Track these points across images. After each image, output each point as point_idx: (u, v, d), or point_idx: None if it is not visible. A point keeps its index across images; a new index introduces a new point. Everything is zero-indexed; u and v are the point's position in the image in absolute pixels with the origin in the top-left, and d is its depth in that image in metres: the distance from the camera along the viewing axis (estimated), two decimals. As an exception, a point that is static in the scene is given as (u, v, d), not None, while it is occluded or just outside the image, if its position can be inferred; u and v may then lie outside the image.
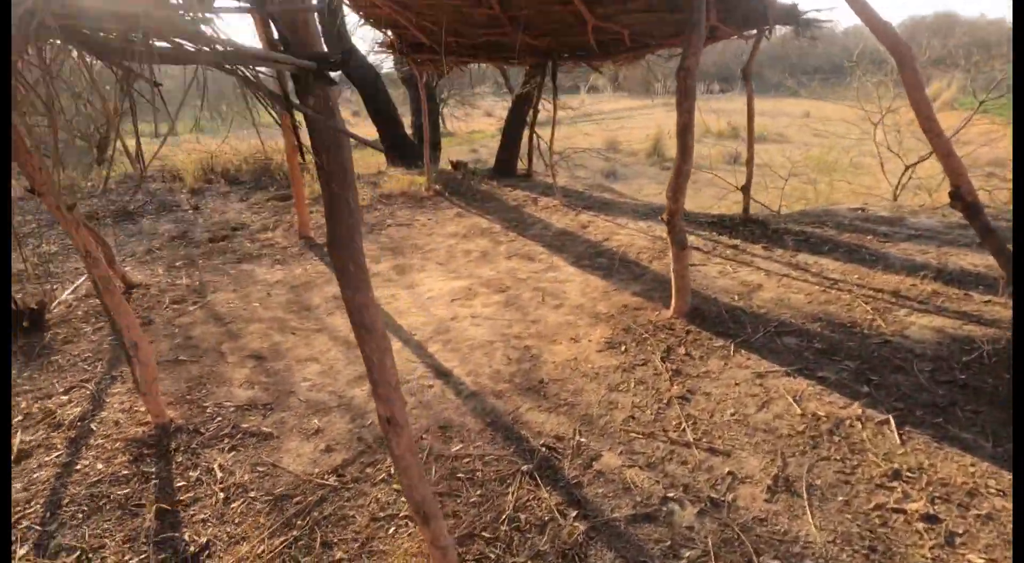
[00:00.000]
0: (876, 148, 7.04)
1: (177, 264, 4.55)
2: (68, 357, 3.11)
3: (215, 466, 2.22)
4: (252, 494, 2.08)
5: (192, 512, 2.00)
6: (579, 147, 11.06)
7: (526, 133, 7.24)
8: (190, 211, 6.33)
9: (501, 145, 7.49)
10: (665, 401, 2.55)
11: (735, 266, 4.06)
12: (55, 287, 4.06)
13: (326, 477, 2.15)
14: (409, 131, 9.06)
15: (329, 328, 3.42)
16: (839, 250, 4.20)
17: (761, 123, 13.92)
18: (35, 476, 2.18)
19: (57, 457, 2.29)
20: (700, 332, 3.14)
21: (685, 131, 2.93)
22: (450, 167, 7.60)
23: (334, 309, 3.67)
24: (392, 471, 2.16)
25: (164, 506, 2.01)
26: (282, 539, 1.86)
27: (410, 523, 1.91)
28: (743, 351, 2.92)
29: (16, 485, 2.14)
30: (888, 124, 7.20)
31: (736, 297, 3.53)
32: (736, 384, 2.65)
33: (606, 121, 17.11)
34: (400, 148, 8.32)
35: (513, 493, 2.03)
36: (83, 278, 4.17)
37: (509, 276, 4.16)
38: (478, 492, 2.05)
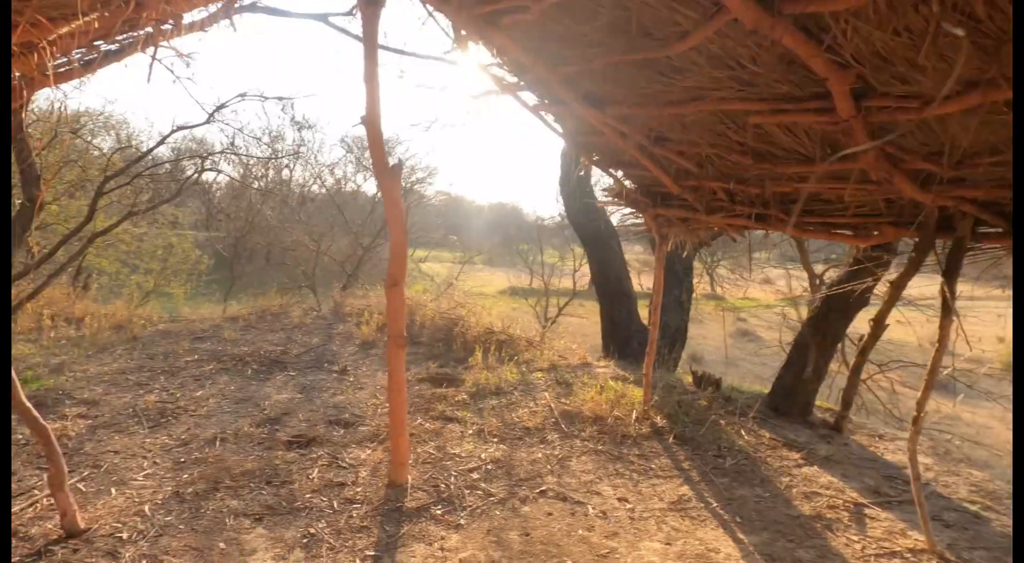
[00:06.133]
0: None
1: (191, 492, 2.85)
2: None
3: None
4: None
5: None
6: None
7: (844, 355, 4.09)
8: (335, 373, 5.01)
9: (786, 364, 4.44)
10: None
11: None
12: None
13: None
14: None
15: None
16: None
17: None
18: None
19: None
20: None
21: None
22: (690, 379, 4.83)
23: None
24: None
25: None
26: None
27: None
28: None
29: None
30: None
31: None
32: None
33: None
34: (620, 335, 5.95)
35: None
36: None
37: None
38: None
